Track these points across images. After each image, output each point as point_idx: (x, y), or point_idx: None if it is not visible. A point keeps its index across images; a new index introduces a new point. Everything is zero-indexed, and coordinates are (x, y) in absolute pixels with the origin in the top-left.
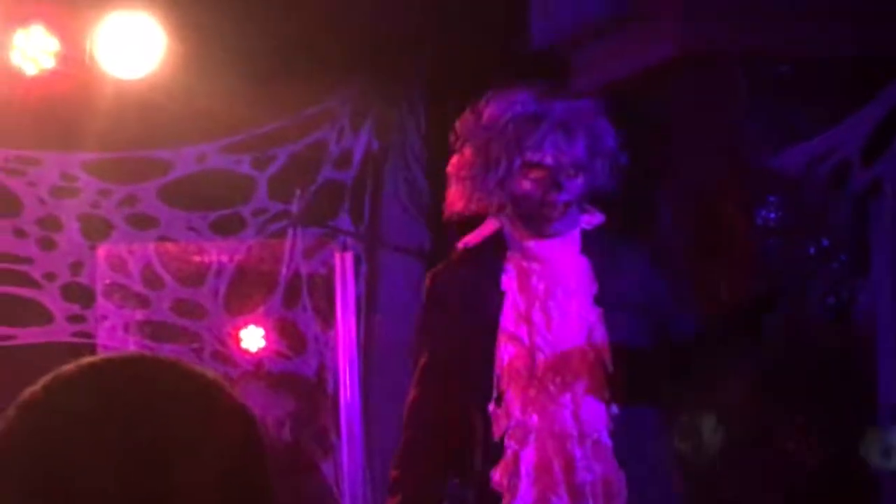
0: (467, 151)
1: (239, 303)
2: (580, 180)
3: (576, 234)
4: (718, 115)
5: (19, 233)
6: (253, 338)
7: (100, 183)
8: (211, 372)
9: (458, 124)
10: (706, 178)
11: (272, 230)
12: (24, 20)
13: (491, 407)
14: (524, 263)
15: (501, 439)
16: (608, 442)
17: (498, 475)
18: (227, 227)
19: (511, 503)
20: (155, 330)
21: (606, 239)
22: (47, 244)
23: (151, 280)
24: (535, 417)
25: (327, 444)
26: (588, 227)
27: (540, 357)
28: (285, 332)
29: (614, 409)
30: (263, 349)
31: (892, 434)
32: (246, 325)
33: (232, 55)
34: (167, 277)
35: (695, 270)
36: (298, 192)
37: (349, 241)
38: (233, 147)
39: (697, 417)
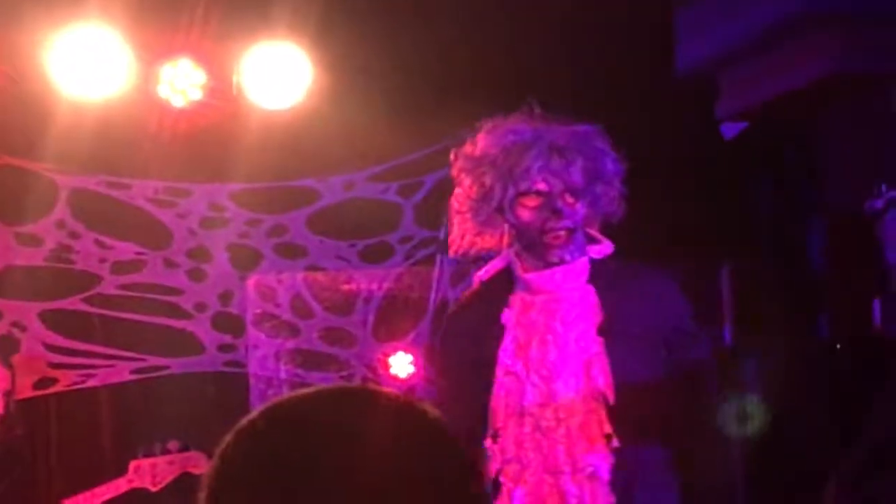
0: (465, 184)
1: (387, 330)
2: (580, 206)
3: (584, 263)
4: (870, 137)
5: (169, 264)
6: (402, 364)
7: (248, 213)
8: (432, 409)
9: (454, 157)
10: (859, 203)
11: (420, 257)
12: (171, 54)
13: (487, 443)
14: (527, 297)
15: (497, 476)
16: (605, 476)
17: None
18: (374, 255)
19: None
20: (305, 358)
21: (618, 266)
22: (197, 275)
23: (301, 309)
24: (529, 453)
25: None
26: (597, 256)
27: (534, 392)
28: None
29: (615, 442)
30: (413, 376)
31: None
32: (395, 351)
33: (377, 84)
34: (316, 306)
35: (847, 299)
36: (446, 218)
37: None
38: (380, 175)
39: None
